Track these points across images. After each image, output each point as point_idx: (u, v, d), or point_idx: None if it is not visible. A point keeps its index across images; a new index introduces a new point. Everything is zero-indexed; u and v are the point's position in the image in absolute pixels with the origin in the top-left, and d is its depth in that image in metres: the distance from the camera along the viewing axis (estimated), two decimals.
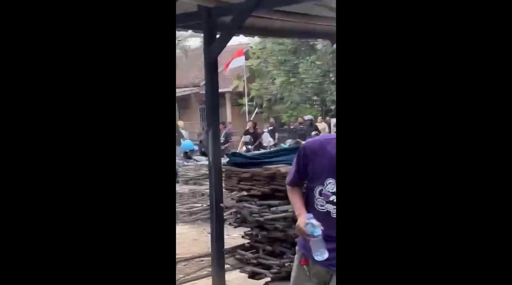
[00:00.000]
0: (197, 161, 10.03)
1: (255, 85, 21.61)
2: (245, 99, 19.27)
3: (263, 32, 5.68)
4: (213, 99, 4.21)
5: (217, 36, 4.25)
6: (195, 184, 8.95)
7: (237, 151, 10.01)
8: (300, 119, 15.55)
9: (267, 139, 13.99)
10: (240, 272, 4.02)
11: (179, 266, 5.32)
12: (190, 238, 6.80)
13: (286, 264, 3.57)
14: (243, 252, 3.95)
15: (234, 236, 5.41)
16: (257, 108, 20.70)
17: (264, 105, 21.84)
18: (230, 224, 4.10)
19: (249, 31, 5.43)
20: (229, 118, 21.36)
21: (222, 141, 12.59)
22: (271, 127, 15.97)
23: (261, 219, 3.65)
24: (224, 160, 4.61)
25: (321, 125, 15.08)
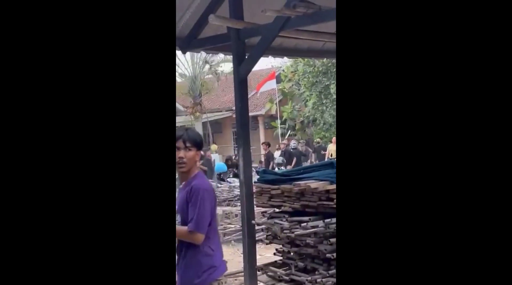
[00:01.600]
0: (230, 183, 10.09)
1: (287, 108, 21.68)
2: (278, 122, 19.33)
3: (292, 52, 5.76)
4: (243, 118, 4.28)
5: (246, 56, 4.34)
6: (228, 205, 9.00)
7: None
8: (286, 142, 15.30)
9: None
10: None
11: None
12: (224, 258, 6.81)
13: (318, 280, 3.56)
14: (275, 269, 3.96)
15: (267, 256, 5.40)
16: (289, 131, 20.71)
17: (296, 127, 21.84)
18: (261, 241, 4.12)
19: (278, 52, 5.52)
20: (262, 140, 21.43)
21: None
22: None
23: (292, 235, 3.67)
24: (255, 177, 4.65)
25: (334, 146, 14.84)
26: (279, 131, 19.37)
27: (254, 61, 4.28)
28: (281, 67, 22.12)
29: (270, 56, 5.68)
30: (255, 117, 22.97)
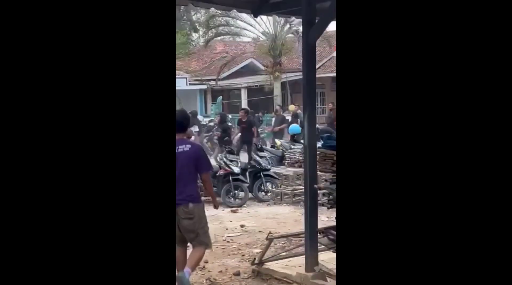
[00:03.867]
0: (303, 144, 10.13)
1: None
2: None
3: None
4: (309, 83, 4.31)
5: (316, 20, 4.32)
6: (300, 166, 9.10)
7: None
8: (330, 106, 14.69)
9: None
10: (333, 252, 4.11)
11: (279, 243, 5.53)
12: (292, 219, 6.99)
13: None
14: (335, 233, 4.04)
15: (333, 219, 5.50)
16: None
17: None
18: (323, 205, 4.21)
19: None
20: None
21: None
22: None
23: None
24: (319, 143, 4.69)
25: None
26: None
27: (324, 26, 4.25)
28: None
29: None
30: (335, 79, 22.50)
